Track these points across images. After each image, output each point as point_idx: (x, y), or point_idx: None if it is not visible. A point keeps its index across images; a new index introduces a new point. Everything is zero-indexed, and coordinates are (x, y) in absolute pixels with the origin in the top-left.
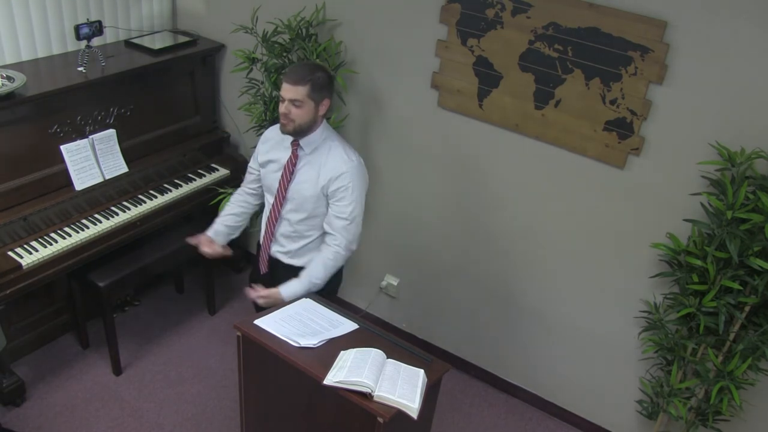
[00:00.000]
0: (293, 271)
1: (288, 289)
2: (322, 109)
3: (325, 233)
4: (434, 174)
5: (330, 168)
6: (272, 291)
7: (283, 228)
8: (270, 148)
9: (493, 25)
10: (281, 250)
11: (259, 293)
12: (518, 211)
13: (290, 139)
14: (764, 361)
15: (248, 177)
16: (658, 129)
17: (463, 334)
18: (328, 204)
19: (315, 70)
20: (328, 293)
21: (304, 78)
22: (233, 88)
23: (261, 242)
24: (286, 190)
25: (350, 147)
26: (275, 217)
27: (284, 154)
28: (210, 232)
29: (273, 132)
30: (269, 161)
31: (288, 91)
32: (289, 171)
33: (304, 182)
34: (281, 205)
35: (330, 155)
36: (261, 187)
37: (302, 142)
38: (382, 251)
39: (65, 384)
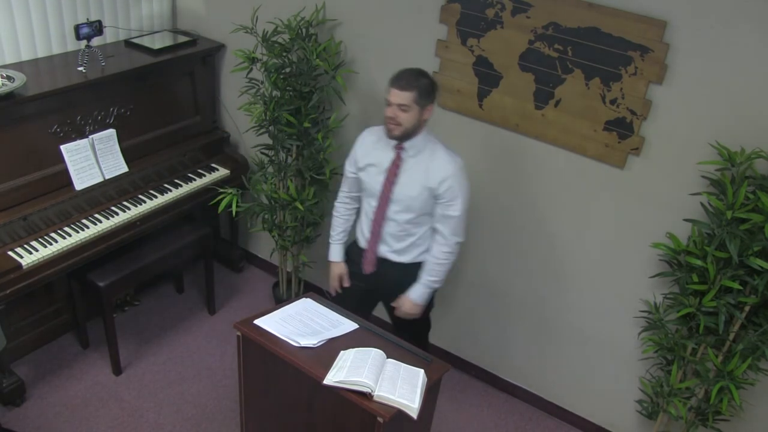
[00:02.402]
0: (402, 269)
1: (416, 294)
2: (426, 114)
3: (433, 231)
4: None
5: (437, 170)
6: (405, 302)
7: (390, 228)
8: (368, 152)
9: (493, 25)
10: (389, 249)
11: (401, 310)
12: (517, 211)
13: (388, 141)
14: (764, 361)
15: (347, 182)
16: (658, 129)
17: (463, 334)
18: (435, 203)
19: (420, 77)
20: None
21: (411, 84)
22: (233, 88)
23: (365, 244)
24: (390, 192)
25: (451, 148)
26: (381, 218)
27: (384, 156)
28: (336, 257)
29: (370, 135)
30: (369, 165)
31: (396, 96)
32: (393, 174)
33: (410, 184)
34: (386, 206)
35: (435, 157)
36: (359, 188)
37: (406, 144)
38: None
39: (65, 384)
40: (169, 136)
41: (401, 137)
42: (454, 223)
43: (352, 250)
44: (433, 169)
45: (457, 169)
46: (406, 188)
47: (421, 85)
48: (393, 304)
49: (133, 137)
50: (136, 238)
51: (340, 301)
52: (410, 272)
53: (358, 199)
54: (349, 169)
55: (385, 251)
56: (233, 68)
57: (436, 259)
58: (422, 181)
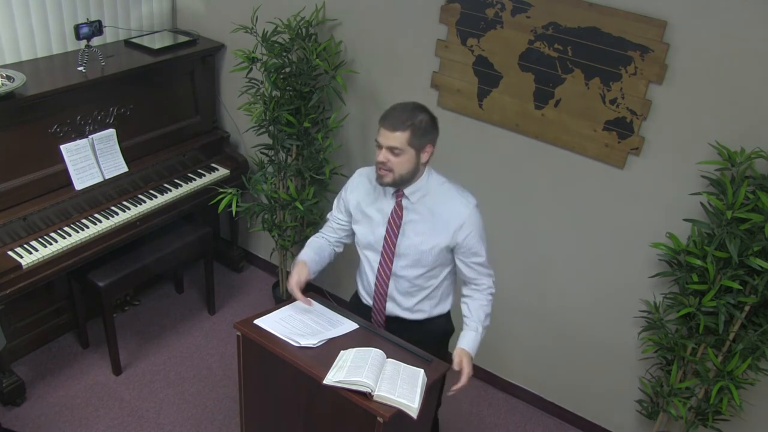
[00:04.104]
0: (416, 327)
1: (469, 344)
2: (425, 157)
3: (466, 281)
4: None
5: (450, 217)
6: (461, 354)
7: (399, 285)
8: (362, 200)
9: (493, 25)
10: (399, 307)
11: (463, 380)
12: (517, 211)
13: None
14: (764, 360)
15: (331, 226)
16: (658, 129)
17: None
18: (453, 254)
19: (416, 113)
20: (441, 341)
21: (404, 122)
22: (233, 87)
23: (371, 303)
24: (394, 245)
25: (461, 186)
26: (386, 276)
27: (383, 205)
28: (303, 256)
29: (362, 179)
30: (364, 216)
31: (386, 137)
32: (396, 225)
33: (419, 235)
34: (391, 262)
35: (444, 202)
36: (346, 237)
37: (407, 191)
38: None
39: (65, 384)
40: (169, 136)
41: (393, 185)
42: (482, 265)
43: (356, 307)
44: (443, 217)
45: (472, 212)
46: (415, 241)
47: (417, 122)
48: (455, 367)
49: (133, 137)
50: (136, 238)
51: None
52: (426, 329)
53: (342, 246)
54: (338, 216)
55: (395, 310)
56: (233, 68)
57: (482, 308)
58: (432, 233)
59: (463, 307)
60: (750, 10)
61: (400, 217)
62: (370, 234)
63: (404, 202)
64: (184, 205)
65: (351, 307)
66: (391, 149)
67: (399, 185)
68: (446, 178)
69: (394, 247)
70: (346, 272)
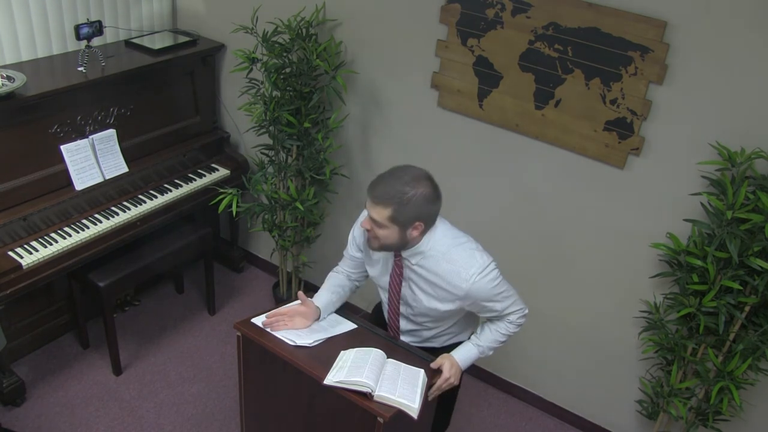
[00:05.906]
0: (433, 352)
1: (458, 352)
2: (414, 233)
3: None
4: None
5: (450, 287)
6: (445, 357)
7: (404, 324)
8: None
9: (493, 25)
10: (411, 339)
11: (438, 382)
12: (517, 211)
13: None
14: (764, 361)
15: (350, 263)
16: (658, 129)
17: None
18: (465, 310)
19: (407, 188)
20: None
21: (391, 198)
22: (233, 88)
23: (388, 328)
24: (398, 293)
25: (472, 246)
26: (396, 316)
27: (388, 255)
28: (316, 301)
29: None
30: (372, 259)
31: (369, 206)
32: (397, 282)
33: (422, 293)
34: (398, 306)
35: (446, 271)
36: (363, 273)
37: (404, 253)
38: None
39: (65, 384)
40: (169, 136)
41: (381, 250)
42: (502, 313)
43: (378, 317)
44: (443, 285)
45: (473, 285)
46: (418, 296)
47: (404, 200)
48: (432, 365)
49: (133, 137)
50: (136, 239)
51: None
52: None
53: (365, 280)
54: (353, 254)
55: (409, 340)
56: (233, 68)
57: (495, 332)
58: (434, 296)
59: (479, 327)
60: (750, 10)
61: (400, 275)
62: (378, 277)
63: (402, 262)
64: (185, 205)
65: (374, 317)
66: (374, 221)
67: (389, 251)
68: (454, 239)
69: (399, 298)
70: None
